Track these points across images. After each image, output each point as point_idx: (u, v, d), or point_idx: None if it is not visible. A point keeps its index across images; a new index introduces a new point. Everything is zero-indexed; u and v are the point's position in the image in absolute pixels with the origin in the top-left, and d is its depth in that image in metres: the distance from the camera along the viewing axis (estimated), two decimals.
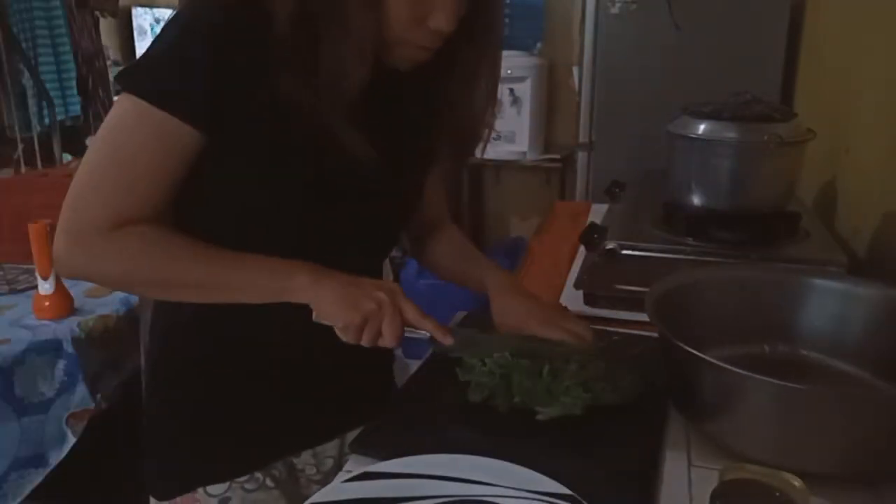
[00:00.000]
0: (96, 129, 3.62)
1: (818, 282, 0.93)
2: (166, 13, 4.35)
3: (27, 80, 3.31)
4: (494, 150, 3.15)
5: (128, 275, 0.76)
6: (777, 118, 1.18)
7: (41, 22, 3.35)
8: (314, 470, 0.94)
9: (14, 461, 1.48)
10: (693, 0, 2.17)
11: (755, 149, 1.17)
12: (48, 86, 3.36)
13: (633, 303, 1.06)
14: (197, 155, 0.74)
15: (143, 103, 0.70)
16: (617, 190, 1.61)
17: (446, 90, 0.84)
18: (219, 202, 0.79)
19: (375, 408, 0.85)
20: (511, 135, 3.25)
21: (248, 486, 0.87)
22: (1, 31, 3.16)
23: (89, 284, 1.73)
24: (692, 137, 1.21)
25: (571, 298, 1.20)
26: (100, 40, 3.73)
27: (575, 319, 0.93)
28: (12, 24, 3.23)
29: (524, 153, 3.30)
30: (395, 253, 2.82)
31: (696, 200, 1.25)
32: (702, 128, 1.20)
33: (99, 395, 1.60)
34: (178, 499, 0.87)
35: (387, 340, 0.75)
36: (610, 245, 1.19)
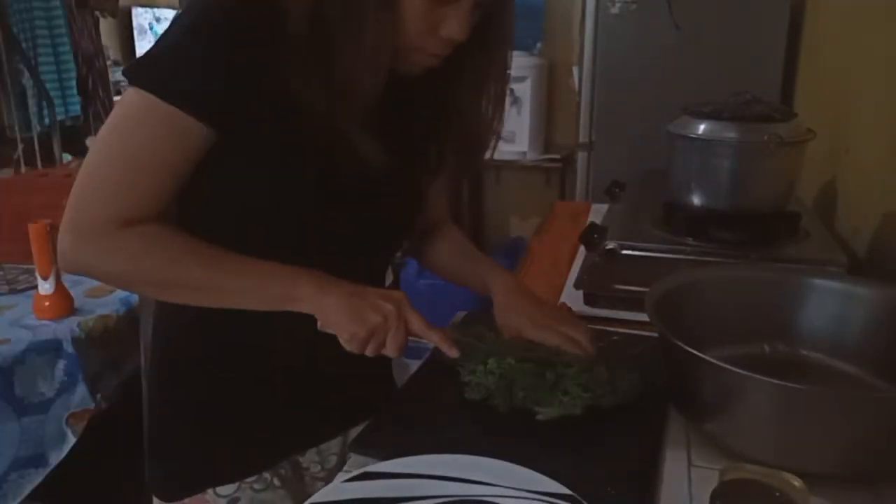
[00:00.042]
0: (96, 129, 3.63)
1: (818, 282, 0.93)
2: (166, 13, 4.36)
3: (27, 80, 3.31)
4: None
5: (129, 274, 0.76)
6: (777, 118, 1.18)
7: (41, 22, 3.35)
8: (318, 467, 0.94)
9: (14, 461, 1.48)
10: (693, 0, 2.17)
11: (755, 149, 1.17)
12: (48, 86, 3.37)
13: (633, 303, 1.05)
14: (201, 153, 0.73)
15: (151, 97, 0.69)
16: (617, 190, 1.61)
17: (455, 96, 0.84)
18: (219, 202, 0.79)
19: (377, 410, 0.85)
20: (511, 135, 3.25)
21: (256, 486, 0.87)
22: (1, 31, 3.16)
23: (89, 284, 1.73)
24: (692, 137, 1.21)
25: (571, 298, 1.20)
26: (100, 40, 3.74)
27: (575, 324, 0.91)
28: (12, 24, 3.24)
29: (524, 153, 3.30)
30: None
31: (696, 200, 1.25)
32: (702, 128, 1.20)
33: (99, 395, 1.60)
34: (187, 500, 0.86)
35: (390, 351, 0.75)
36: (610, 245, 1.19)
